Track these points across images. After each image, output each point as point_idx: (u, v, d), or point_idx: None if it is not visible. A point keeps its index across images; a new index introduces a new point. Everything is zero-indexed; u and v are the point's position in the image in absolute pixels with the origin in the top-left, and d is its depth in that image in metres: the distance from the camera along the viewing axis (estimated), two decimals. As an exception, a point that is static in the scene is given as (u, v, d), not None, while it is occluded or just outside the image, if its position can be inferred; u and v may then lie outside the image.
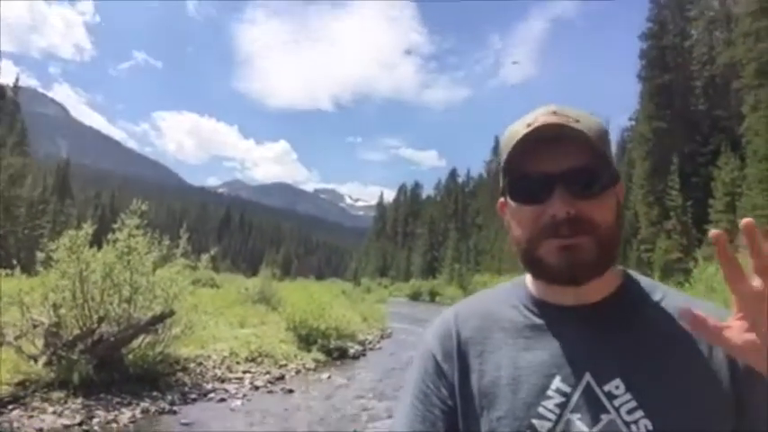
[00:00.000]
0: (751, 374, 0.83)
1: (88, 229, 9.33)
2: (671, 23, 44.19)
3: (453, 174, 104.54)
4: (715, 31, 42.86)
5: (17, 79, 62.58)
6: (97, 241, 9.59)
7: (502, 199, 1.01)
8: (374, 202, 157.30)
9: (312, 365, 12.94)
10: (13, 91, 58.76)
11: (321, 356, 13.78)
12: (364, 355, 15.68)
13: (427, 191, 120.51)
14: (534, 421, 0.88)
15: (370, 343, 17.72)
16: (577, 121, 0.90)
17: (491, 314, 1.01)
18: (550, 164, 0.90)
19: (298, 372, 12.21)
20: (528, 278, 1.02)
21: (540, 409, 0.88)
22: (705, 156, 37.28)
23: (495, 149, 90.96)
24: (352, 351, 15.13)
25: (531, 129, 0.90)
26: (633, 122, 49.07)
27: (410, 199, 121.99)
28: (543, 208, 0.90)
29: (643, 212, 39.51)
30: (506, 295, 1.04)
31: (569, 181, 0.89)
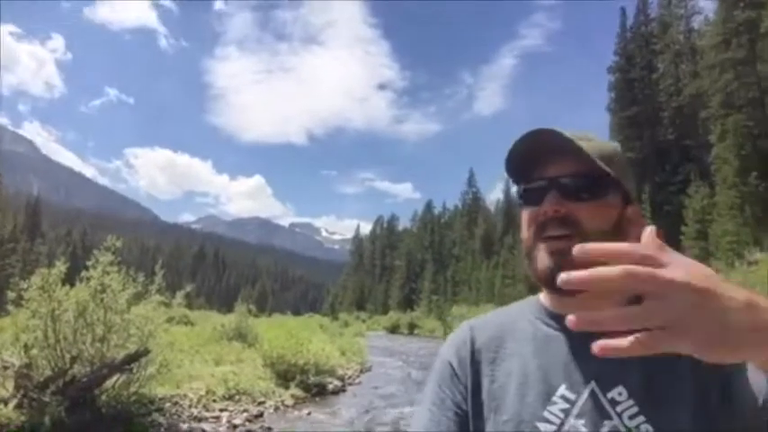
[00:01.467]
0: (743, 381, 0.87)
1: (61, 266, 9.14)
2: (638, 57, 45.49)
3: (429, 206, 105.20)
4: (681, 64, 44.14)
5: (-13, 117, 61.99)
6: (69, 280, 9.39)
7: None
8: (350, 235, 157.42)
9: (291, 402, 12.72)
10: (-17, 129, 58.05)
11: (300, 393, 13.56)
12: (344, 390, 15.46)
13: (403, 223, 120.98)
14: (539, 425, 0.93)
15: (349, 378, 17.48)
16: (576, 136, 0.97)
17: (505, 325, 1.08)
18: (548, 170, 0.99)
19: (276, 409, 11.99)
20: (542, 294, 1.08)
21: (545, 414, 0.93)
22: (675, 184, 38.07)
23: (470, 181, 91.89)
24: (331, 386, 14.91)
25: (523, 134, 0.97)
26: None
27: (387, 231, 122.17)
28: (539, 209, 0.98)
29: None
30: (521, 309, 1.11)
31: (561, 184, 0.97)
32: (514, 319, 1.08)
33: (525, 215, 1.01)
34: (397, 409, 12.64)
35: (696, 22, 44.66)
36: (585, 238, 0.91)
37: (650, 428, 0.87)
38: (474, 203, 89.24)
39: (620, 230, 0.98)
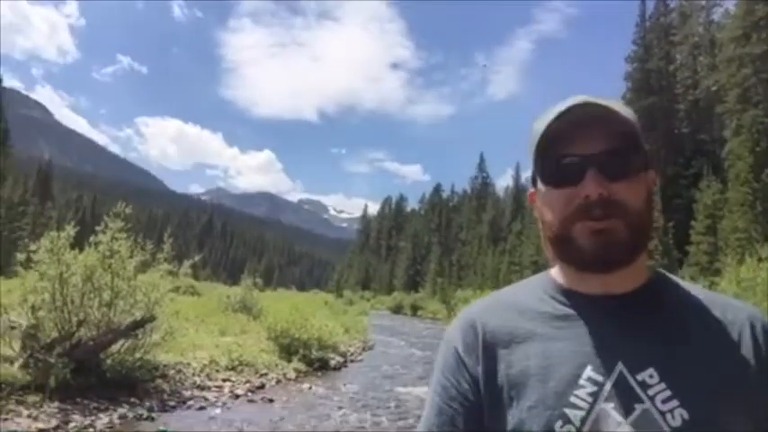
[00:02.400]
0: None
1: (70, 230, 9.19)
2: (656, 47, 44.89)
3: (438, 188, 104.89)
4: (699, 56, 43.57)
5: (0, 80, 61.92)
6: (78, 244, 9.45)
7: (532, 189, 1.02)
8: (358, 214, 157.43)
9: (293, 375, 12.82)
10: (-3, 91, 58.12)
11: (302, 367, 13.66)
12: (346, 366, 15.57)
13: (411, 204, 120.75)
14: (566, 410, 0.86)
15: (351, 354, 17.60)
16: (608, 107, 0.91)
17: (517, 305, 1.00)
18: (583, 146, 0.91)
19: (278, 381, 12.09)
20: (554, 270, 1.02)
21: (572, 398, 0.87)
22: (687, 178, 37.73)
23: (480, 165, 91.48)
24: (333, 362, 15.01)
25: (563, 109, 0.91)
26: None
27: (394, 212, 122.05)
28: (576, 190, 0.90)
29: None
30: (532, 287, 1.03)
31: (602, 163, 0.90)
32: (527, 298, 1.00)
33: (555, 196, 0.94)
34: (398, 387, 12.71)
35: (716, 15, 44.01)
36: (628, 217, 0.89)
37: (685, 413, 0.82)
38: (483, 188, 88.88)
39: (650, 202, 0.95)
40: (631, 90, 44.48)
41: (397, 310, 65.35)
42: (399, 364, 16.90)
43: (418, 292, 73.49)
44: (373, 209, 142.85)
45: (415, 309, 62.78)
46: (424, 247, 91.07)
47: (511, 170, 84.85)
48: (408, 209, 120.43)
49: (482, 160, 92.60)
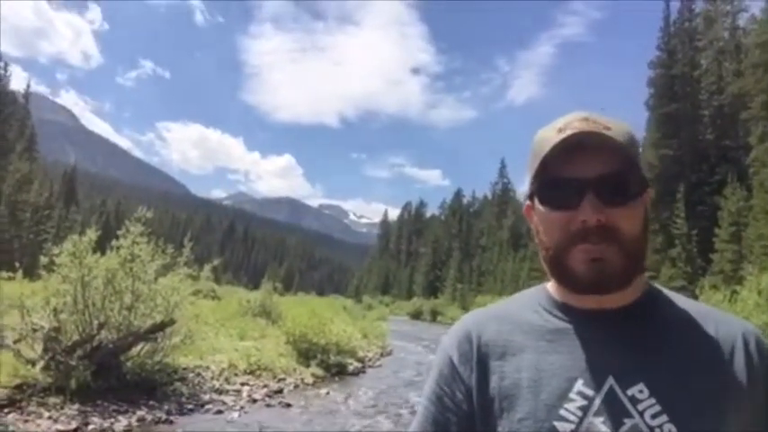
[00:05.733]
0: None
1: (92, 234, 9.32)
2: (680, 52, 44.33)
3: (458, 194, 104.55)
4: (724, 62, 42.86)
5: (28, 86, 63.19)
6: (101, 248, 9.58)
7: (528, 203, 1.01)
8: (378, 219, 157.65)
9: (311, 380, 12.85)
10: (24, 97, 59.29)
11: (320, 372, 13.69)
12: (364, 372, 15.57)
13: (431, 210, 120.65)
14: (556, 423, 0.87)
15: (369, 360, 17.60)
16: (608, 128, 0.90)
17: (512, 318, 1.01)
18: (582, 170, 0.90)
19: (296, 386, 12.13)
20: (549, 284, 1.02)
21: (562, 412, 0.87)
22: (711, 185, 37.16)
23: (501, 171, 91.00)
24: (351, 368, 15.03)
25: (565, 135, 0.89)
26: (640, 149, 49.12)
27: (414, 217, 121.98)
28: (573, 214, 0.89)
29: (647, 240, 39.29)
30: (527, 300, 1.04)
31: (600, 188, 0.89)
32: (522, 311, 1.01)
33: (551, 217, 0.93)
34: (415, 393, 12.67)
35: (742, 20, 43.26)
36: (624, 244, 0.88)
37: (674, 429, 0.83)
38: (504, 194, 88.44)
39: (646, 224, 0.94)
40: (655, 96, 43.95)
41: (416, 315, 65.26)
42: (417, 371, 16.85)
43: (438, 298, 73.34)
44: (393, 214, 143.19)
45: (434, 314, 62.63)
46: (444, 253, 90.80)
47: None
48: (428, 214, 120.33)
49: (503, 165, 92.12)
